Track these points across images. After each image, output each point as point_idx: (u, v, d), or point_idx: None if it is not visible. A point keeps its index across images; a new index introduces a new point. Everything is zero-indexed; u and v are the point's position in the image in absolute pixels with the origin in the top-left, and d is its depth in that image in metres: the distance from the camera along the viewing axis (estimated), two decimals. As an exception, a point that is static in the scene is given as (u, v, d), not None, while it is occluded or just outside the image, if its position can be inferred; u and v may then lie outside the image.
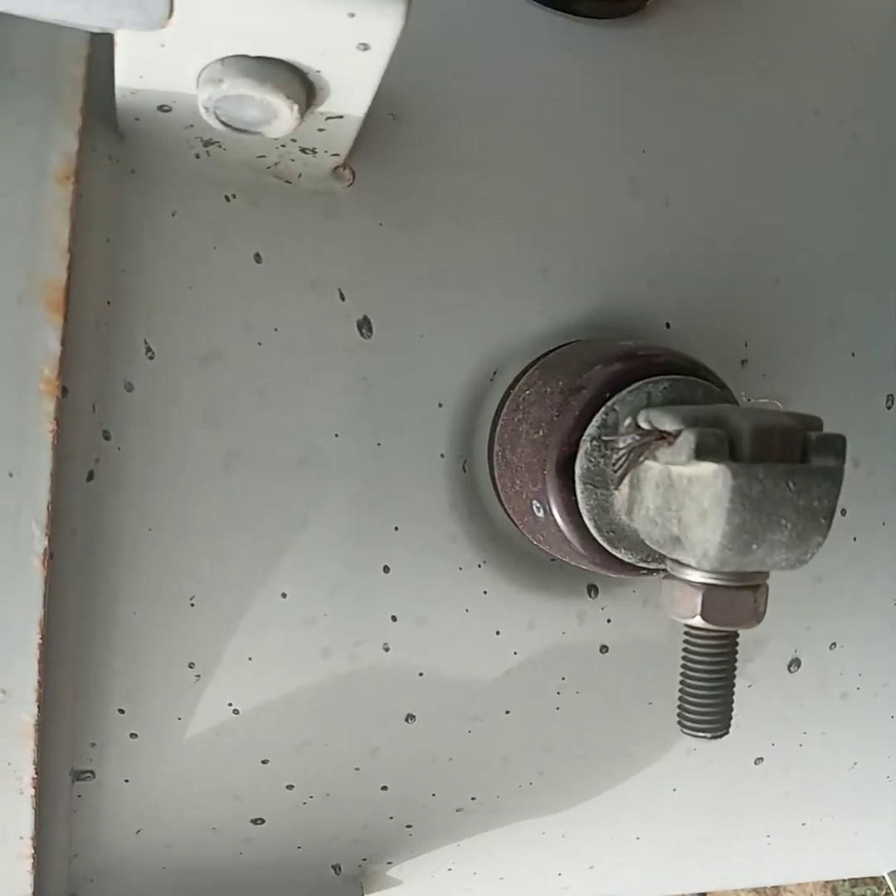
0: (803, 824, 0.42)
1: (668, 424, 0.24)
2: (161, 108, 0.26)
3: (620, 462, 0.25)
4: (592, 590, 0.33)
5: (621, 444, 0.25)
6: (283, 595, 0.30)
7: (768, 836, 0.43)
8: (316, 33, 0.23)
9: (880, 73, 0.39)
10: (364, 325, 0.30)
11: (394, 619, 0.31)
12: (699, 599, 0.24)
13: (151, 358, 0.28)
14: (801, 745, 0.39)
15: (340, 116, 0.26)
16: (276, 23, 0.23)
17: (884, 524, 0.36)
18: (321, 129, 0.27)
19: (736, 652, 0.25)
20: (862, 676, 0.38)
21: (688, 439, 0.23)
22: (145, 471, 0.28)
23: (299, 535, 0.30)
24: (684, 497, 0.23)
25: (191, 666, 0.30)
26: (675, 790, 0.38)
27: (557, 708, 0.34)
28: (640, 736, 0.36)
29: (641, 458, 0.24)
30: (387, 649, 0.32)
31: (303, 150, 0.28)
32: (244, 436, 0.29)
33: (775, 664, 0.36)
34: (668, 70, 0.35)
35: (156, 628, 0.29)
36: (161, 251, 0.28)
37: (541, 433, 0.28)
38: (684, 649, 0.25)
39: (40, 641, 0.26)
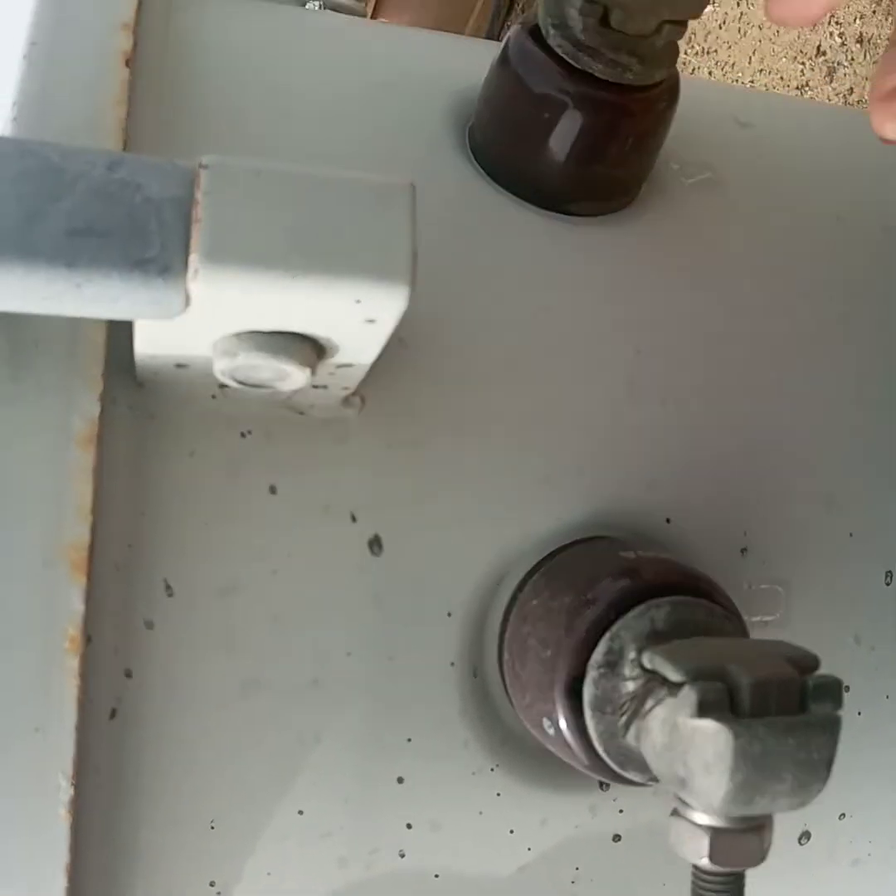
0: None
1: (671, 674, 0.25)
2: (178, 365, 0.28)
3: (625, 709, 0.25)
4: (604, 783, 0.34)
5: (626, 692, 0.26)
6: (300, 812, 0.31)
7: None
8: (326, 315, 0.25)
9: (869, 251, 0.41)
10: (375, 544, 0.31)
11: (408, 826, 0.32)
12: (706, 843, 0.25)
13: (171, 595, 0.29)
14: (815, 913, 0.39)
15: (350, 365, 0.28)
16: (287, 310, 0.24)
17: (887, 697, 0.37)
18: (332, 374, 0.28)
19: (743, 887, 0.26)
20: (872, 843, 0.38)
21: (690, 696, 0.24)
22: (166, 703, 0.29)
23: (313, 754, 0.31)
24: (688, 744, 0.24)
25: (212, 884, 0.31)
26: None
27: None
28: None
29: (645, 706, 0.25)
30: (402, 856, 0.32)
31: (315, 387, 0.29)
32: (259, 662, 0.30)
33: (786, 839, 0.37)
34: (660, 266, 0.37)
35: (177, 852, 0.30)
36: (179, 491, 0.29)
37: (549, 653, 0.29)
38: (693, 884, 0.26)
39: (67, 886, 0.27)
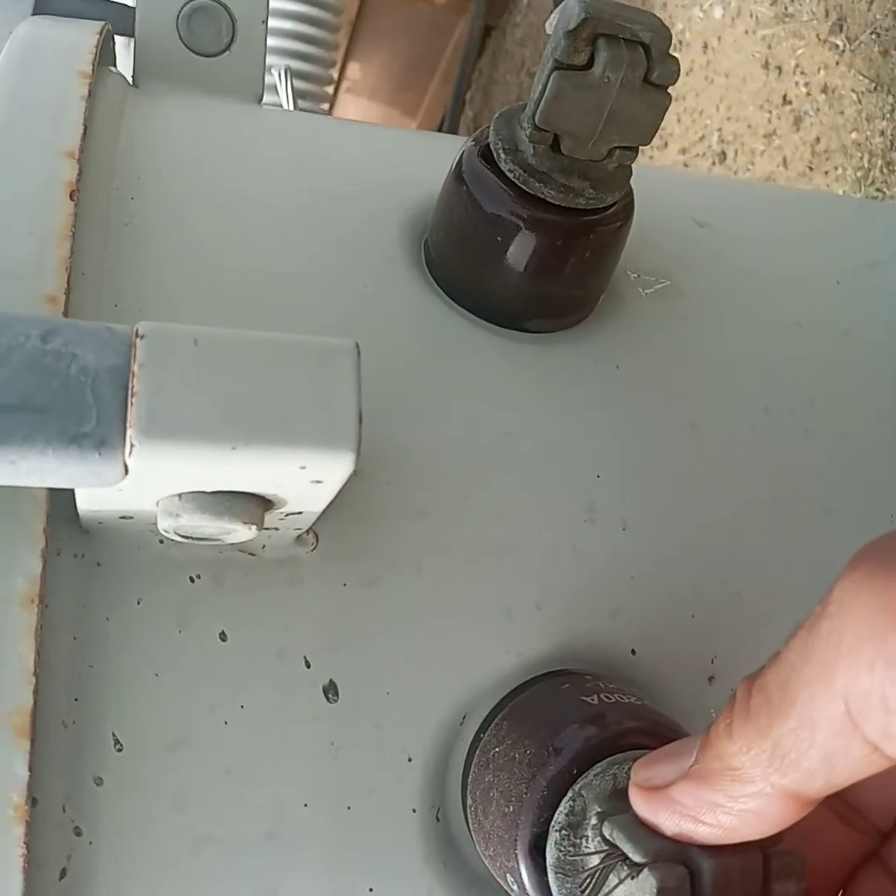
0: None
1: (632, 852, 0.24)
2: (123, 517, 0.27)
3: (586, 884, 0.24)
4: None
5: (585, 867, 0.25)
6: (259, 965, 0.30)
7: None
8: (270, 478, 0.24)
9: (829, 356, 0.40)
10: (330, 690, 0.30)
11: (373, 976, 0.31)
12: None
13: (120, 750, 0.28)
14: None
15: (300, 513, 0.27)
16: (230, 476, 0.24)
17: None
18: (282, 520, 0.28)
19: None
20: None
21: (649, 881, 0.23)
22: (117, 862, 0.28)
23: (272, 908, 0.29)
24: (652, 926, 0.23)
25: None
26: None
27: None
28: None
29: (607, 883, 0.24)
30: None
31: (266, 529, 0.29)
32: (212, 816, 0.29)
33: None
34: (619, 383, 0.36)
35: None
36: (127, 641, 0.28)
37: (511, 808, 0.28)
38: None
39: None
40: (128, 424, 0.22)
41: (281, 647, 0.30)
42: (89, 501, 0.26)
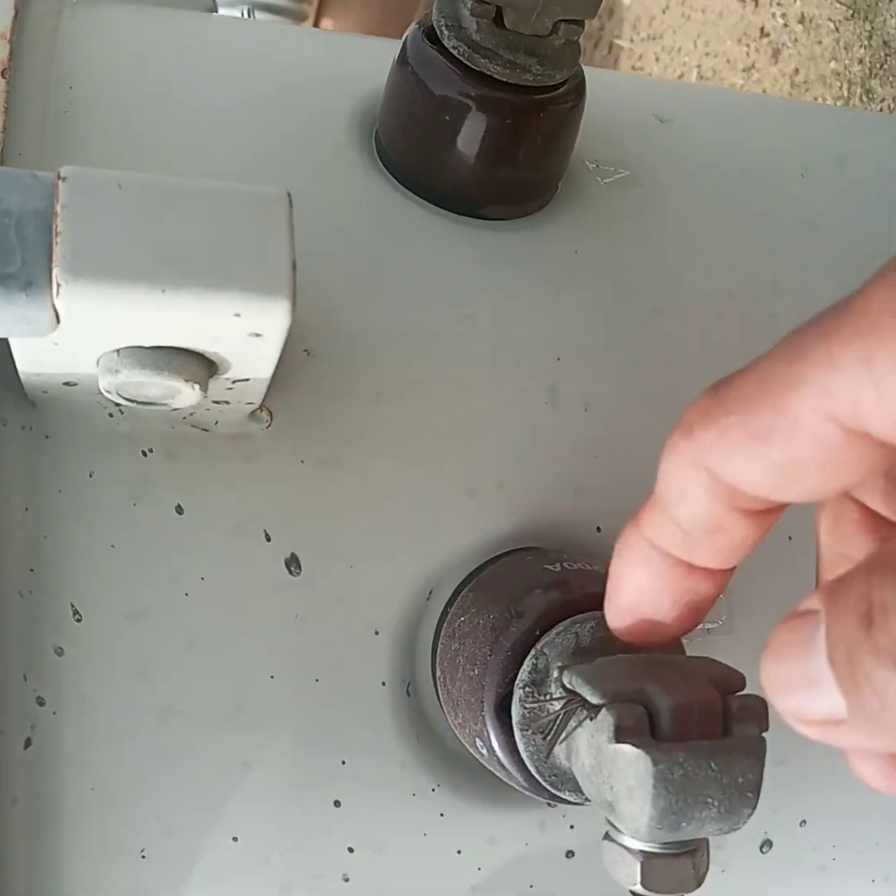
0: None
1: (590, 695, 0.23)
2: (67, 383, 0.26)
3: (548, 729, 0.24)
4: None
5: (548, 710, 0.24)
6: (235, 839, 0.30)
7: None
8: (205, 328, 0.23)
9: (793, 249, 0.39)
10: (292, 563, 0.30)
11: (350, 850, 0.31)
12: (637, 868, 0.23)
13: (79, 620, 0.28)
14: (787, 920, 0.37)
15: (247, 379, 0.26)
16: (164, 326, 0.23)
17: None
18: (230, 388, 0.27)
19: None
20: (836, 848, 0.37)
21: (607, 719, 0.22)
22: (81, 732, 0.28)
23: (243, 780, 0.29)
24: (612, 768, 0.23)
25: (148, 918, 0.29)
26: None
27: (528, 914, 0.34)
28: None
29: (568, 727, 0.24)
30: (346, 880, 0.31)
31: (216, 402, 0.28)
32: (177, 689, 0.28)
33: (747, 848, 0.35)
34: (578, 269, 0.35)
35: (110, 883, 0.29)
36: (80, 513, 0.28)
37: (476, 672, 0.28)
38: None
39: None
40: (53, 264, 0.21)
41: (239, 520, 0.29)
42: (29, 363, 0.25)
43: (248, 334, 0.23)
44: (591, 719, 0.23)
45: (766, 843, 0.35)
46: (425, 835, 0.31)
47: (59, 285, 0.21)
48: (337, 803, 0.30)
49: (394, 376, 0.31)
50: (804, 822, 0.36)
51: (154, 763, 0.29)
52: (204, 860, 0.30)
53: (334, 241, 0.32)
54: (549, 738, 0.24)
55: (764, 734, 0.23)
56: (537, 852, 0.33)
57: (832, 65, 1.17)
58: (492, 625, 0.28)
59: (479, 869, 0.32)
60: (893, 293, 0.16)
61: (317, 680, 0.30)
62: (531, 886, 0.33)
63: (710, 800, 0.22)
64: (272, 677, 0.29)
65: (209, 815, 0.29)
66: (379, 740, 0.30)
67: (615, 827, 0.24)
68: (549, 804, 0.33)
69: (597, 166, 0.37)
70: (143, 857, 0.29)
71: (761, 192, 0.40)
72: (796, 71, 1.21)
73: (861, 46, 1.14)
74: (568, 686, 0.24)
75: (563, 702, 0.24)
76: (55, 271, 0.21)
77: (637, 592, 0.22)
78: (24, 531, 0.27)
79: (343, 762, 0.30)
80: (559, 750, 0.26)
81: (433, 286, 0.33)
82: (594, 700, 0.23)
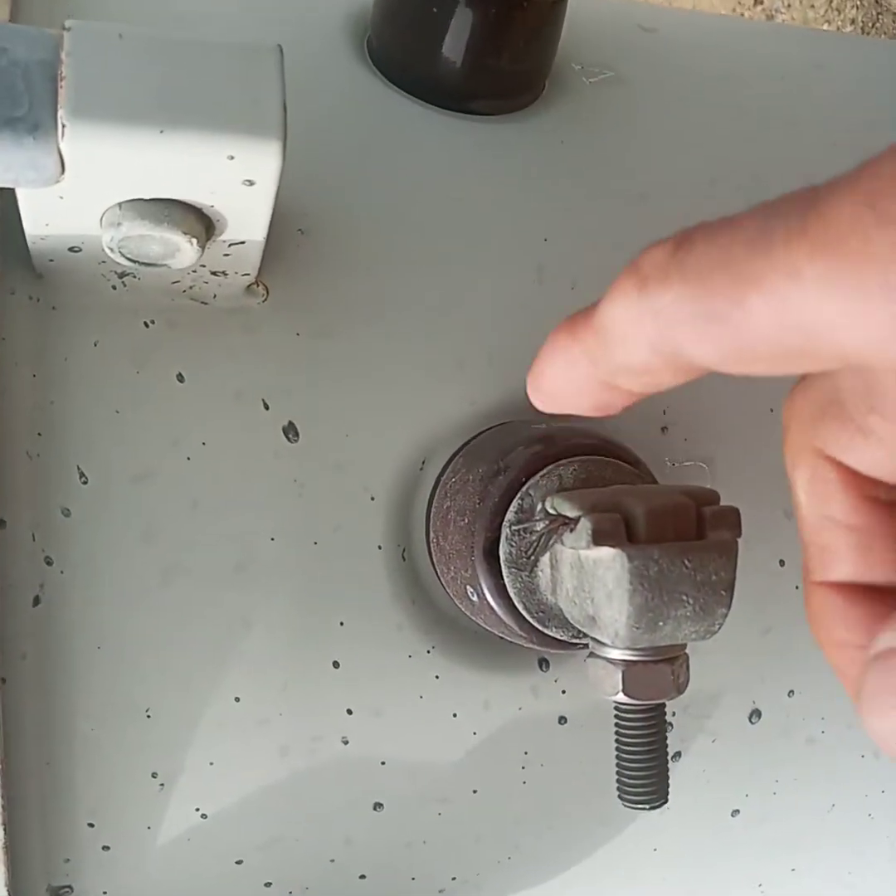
0: (793, 870, 0.42)
1: (569, 510, 0.25)
2: (71, 249, 0.28)
3: (532, 548, 0.26)
4: (543, 663, 0.34)
5: (532, 531, 0.26)
6: (236, 699, 0.31)
7: (760, 885, 0.43)
8: (202, 176, 0.25)
9: (774, 142, 0.41)
10: (290, 431, 0.31)
11: (349, 712, 0.32)
12: (619, 677, 0.25)
13: (85, 483, 0.29)
14: (775, 793, 0.39)
15: (242, 242, 0.28)
16: (160, 171, 0.24)
17: (828, 568, 0.37)
18: (227, 255, 0.28)
19: (664, 723, 0.26)
20: (824, 720, 0.38)
21: (585, 526, 0.24)
22: (89, 591, 0.29)
23: (244, 639, 0.31)
24: (593, 579, 0.24)
25: (154, 775, 0.31)
26: (655, 850, 0.38)
27: (524, 782, 0.35)
28: (610, 801, 0.36)
29: (550, 544, 0.25)
30: (345, 742, 0.32)
31: (213, 273, 0.29)
32: (180, 548, 0.30)
33: (735, 717, 0.37)
34: (565, 159, 0.37)
35: (116, 741, 0.30)
36: (86, 380, 0.29)
37: (466, 520, 0.29)
38: (616, 726, 0.26)
39: (1, 767, 0.27)
40: (59, 107, 0.23)
41: (239, 389, 0.31)
42: (36, 222, 0.26)
43: (241, 181, 0.25)
44: (571, 531, 0.24)
45: (755, 713, 0.37)
46: (422, 697, 0.33)
47: (64, 127, 0.23)
48: (336, 664, 0.32)
49: (385, 253, 0.33)
50: (792, 692, 0.37)
51: (158, 622, 0.30)
52: (206, 720, 0.31)
53: (329, 134, 0.34)
54: (532, 555, 0.26)
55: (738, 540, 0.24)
56: (531, 718, 0.34)
57: (825, 27, 1.19)
58: (480, 478, 0.29)
59: (474, 733, 0.34)
60: (866, 211, 0.15)
61: (315, 542, 0.31)
62: (526, 753, 0.35)
63: (684, 597, 0.23)
64: (272, 539, 0.31)
65: (212, 675, 0.31)
66: (375, 602, 0.32)
67: (598, 641, 0.25)
68: (541, 667, 0.34)
69: (583, 68, 0.39)
70: (148, 716, 0.30)
71: (741, 91, 0.41)
72: (790, 35, 1.22)
73: (853, 6, 1.15)
74: (551, 511, 0.26)
75: (545, 522, 0.26)
76: (61, 113, 0.23)
77: (557, 384, 0.22)
78: (32, 396, 0.29)
79: (341, 623, 0.32)
80: (544, 585, 0.27)
81: (425, 173, 0.34)
82: (573, 513, 0.24)
